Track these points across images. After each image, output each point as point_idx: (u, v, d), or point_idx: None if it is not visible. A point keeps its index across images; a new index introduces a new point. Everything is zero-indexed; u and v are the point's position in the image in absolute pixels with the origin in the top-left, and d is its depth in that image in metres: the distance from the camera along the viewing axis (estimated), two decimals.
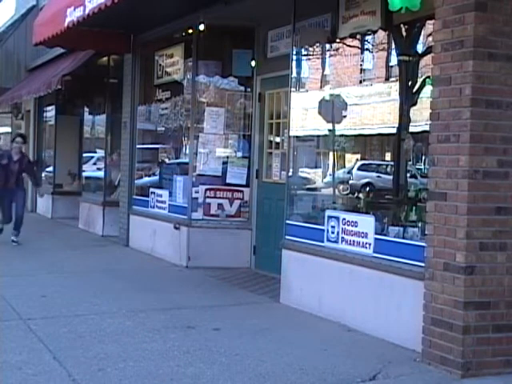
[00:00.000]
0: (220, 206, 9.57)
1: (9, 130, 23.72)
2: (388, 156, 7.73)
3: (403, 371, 5.14)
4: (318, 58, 8.07)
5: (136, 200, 11.40)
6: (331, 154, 8.12)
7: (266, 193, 9.27)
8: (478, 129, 5.00)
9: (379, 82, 7.26)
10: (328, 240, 6.78)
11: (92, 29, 10.51)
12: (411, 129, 6.57)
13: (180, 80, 10.81)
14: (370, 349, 5.68)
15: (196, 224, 9.52)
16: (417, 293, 5.41)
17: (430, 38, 5.73)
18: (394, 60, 7.05)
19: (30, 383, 4.68)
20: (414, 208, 6.20)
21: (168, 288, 8.09)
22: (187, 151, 10.27)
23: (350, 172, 7.96)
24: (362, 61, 7.45)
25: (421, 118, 6.21)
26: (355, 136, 7.76)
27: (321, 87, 8.14)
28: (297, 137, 8.19)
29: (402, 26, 6.75)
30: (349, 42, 7.30)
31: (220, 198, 9.59)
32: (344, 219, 6.61)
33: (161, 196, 10.55)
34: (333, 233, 6.72)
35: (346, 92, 7.57)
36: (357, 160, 8.01)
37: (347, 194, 7.86)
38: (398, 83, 6.92)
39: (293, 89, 7.87)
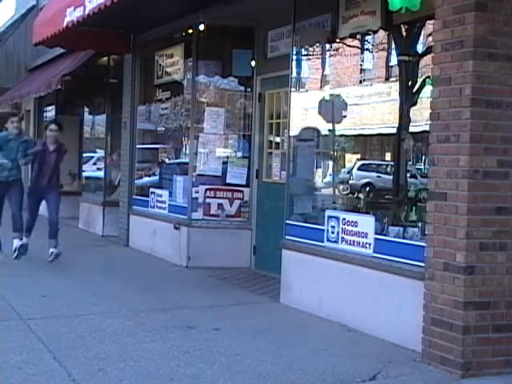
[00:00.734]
0: (220, 205, 9.57)
1: None
2: (388, 156, 7.73)
3: (403, 371, 5.14)
4: (318, 58, 8.07)
5: (136, 200, 11.40)
6: (331, 154, 8.12)
7: (266, 193, 9.27)
8: (478, 129, 5.00)
9: (379, 82, 7.26)
10: (328, 240, 6.78)
11: (92, 29, 10.51)
12: (411, 129, 6.57)
13: (180, 80, 10.81)
14: (370, 349, 5.68)
15: (196, 224, 9.52)
16: (417, 293, 5.41)
17: (430, 38, 5.73)
18: (394, 60, 7.05)
19: (29, 383, 4.68)
20: (413, 208, 6.20)
21: (168, 288, 8.09)
22: (187, 151, 10.27)
23: (349, 172, 7.96)
24: (362, 61, 7.45)
25: (421, 117, 6.21)
26: (355, 136, 7.76)
27: (321, 87, 8.14)
28: (296, 137, 8.19)
29: (402, 26, 6.75)
30: (349, 42, 7.30)
31: (220, 197, 9.59)
32: (344, 219, 6.61)
33: (161, 196, 10.55)
34: (333, 233, 6.72)
35: (345, 92, 7.57)
36: (357, 160, 8.01)
37: (347, 194, 7.86)
38: (398, 83, 6.92)
39: (293, 89, 7.87)
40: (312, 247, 6.96)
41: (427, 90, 5.82)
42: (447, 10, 5.14)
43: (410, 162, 6.77)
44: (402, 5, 4.76)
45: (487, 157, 5.03)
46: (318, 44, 7.90)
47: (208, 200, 9.61)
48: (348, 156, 8.06)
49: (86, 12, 8.65)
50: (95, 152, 15.52)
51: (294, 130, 7.98)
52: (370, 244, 6.25)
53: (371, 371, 5.07)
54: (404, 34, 6.84)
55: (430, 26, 5.88)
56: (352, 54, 7.39)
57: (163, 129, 11.42)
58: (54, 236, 9.62)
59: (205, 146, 9.90)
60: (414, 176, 6.69)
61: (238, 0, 8.39)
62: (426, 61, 6.06)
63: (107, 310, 6.78)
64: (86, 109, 15.72)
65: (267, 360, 5.29)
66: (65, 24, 9.52)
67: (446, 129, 5.15)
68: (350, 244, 6.48)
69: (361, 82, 7.53)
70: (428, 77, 5.80)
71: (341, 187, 7.97)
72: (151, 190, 10.91)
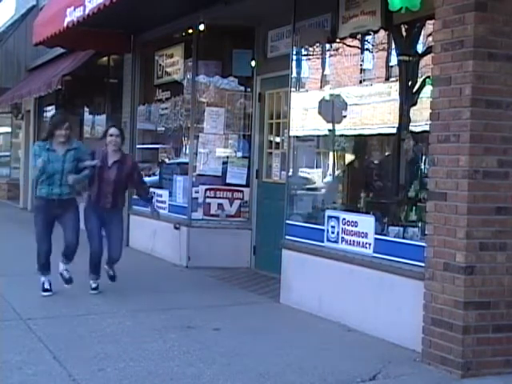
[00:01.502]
0: (220, 205, 9.57)
1: (9, 129, 23.76)
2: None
3: (403, 371, 5.14)
4: (318, 58, 8.06)
5: (136, 200, 11.39)
6: (331, 153, 8.12)
7: (266, 193, 9.27)
8: (478, 129, 5.00)
9: (379, 82, 7.25)
10: (328, 240, 6.78)
11: (92, 29, 10.50)
12: (411, 129, 6.56)
13: (180, 80, 10.81)
14: (369, 349, 5.68)
15: (196, 224, 9.52)
16: (417, 293, 5.41)
17: (430, 38, 5.73)
18: (394, 60, 7.04)
19: (29, 383, 4.68)
20: (413, 208, 6.20)
21: (168, 288, 8.09)
22: (187, 151, 10.27)
23: None
24: (362, 61, 7.45)
25: (421, 117, 6.21)
26: (355, 136, 7.75)
27: (321, 87, 8.14)
28: (297, 137, 8.19)
29: (402, 25, 6.74)
30: (349, 42, 7.29)
31: (220, 197, 9.59)
32: (344, 219, 6.61)
33: (161, 196, 10.55)
34: (333, 233, 6.72)
35: (346, 92, 7.57)
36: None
37: (347, 194, 7.84)
38: (398, 83, 6.92)
39: (293, 89, 7.87)
40: (312, 247, 6.96)
41: (427, 89, 5.82)
42: (447, 10, 5.14)
43: (410, 162, 6.76)
44: (402, 5, 4.76)
45: (487, 157, 5.03)
46: (317, 44, 7.89)
47: (208, 200, 9.61)
48: (348, 156, 8.06)
49: (86, 12, 8.65)
50: (95, 152, 15.49)
51: (294, 130, 7.98)
52: (370, 244, 6.25)
53: (371, 371, 5.07)
54: (404, 34, 6.83)
55: (430, 26, 5.88)
56: (352, 53, 7.39)
57: (163, 129, 11.41)
58: (113, 261, 7.74)
59: (205, 146, 9.90)
60: (414, 176, 6.68)
61: (238, 0, 8.39)
62: (426, 61, 6.06)
63: (107, 310, 6.78)
64: (86, 109, 15.72)
65: (267, 360, 5.29)
66: (65, 24, 9.52)
67: (445, 129, 5.15)
68: (350, 244, 6.48)
69: (361, 82, 7.53)
70: (428, 77, 5.80)
71: (341, 187, 7.96)
72: (151, 189, 10.90)
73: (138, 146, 11.67)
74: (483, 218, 5.03)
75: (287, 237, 7.42)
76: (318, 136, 8.26)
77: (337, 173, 8.05)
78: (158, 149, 11.58)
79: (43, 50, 15.07)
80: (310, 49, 8.00)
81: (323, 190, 8.34)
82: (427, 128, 5.42)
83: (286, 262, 7.42)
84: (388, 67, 7.17)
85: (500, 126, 5.07)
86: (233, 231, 9.47)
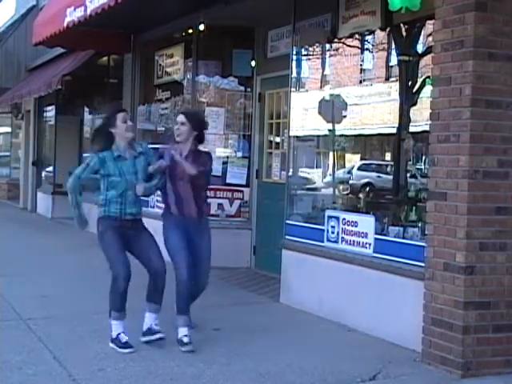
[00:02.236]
0: (220, 205, 9.57)
1: (9, 129, 23.77)
2: (388, 156, 7.72)
3: (403, 371, 5.14)
4: (318, 58, 8.06)
5: None
6: (331, 153, 8.12)
7: (266, 193, 9.27)
8: (478, 129, 5.00)
9: (379, 82, 7.25)
10: (328, 240, 6.78)
11: (92, 29, 10.51)
12: (411, 129, 6.56)
13: (180, 80, 10.81)
14: (369, 349, 5.68)
15: None
16: (417, 293, 5.41)
17: (430, 38, 5.73)
18: (394, 60, 7.04)
19: (29, 383, 4.69)
20: (413, 208, 6.20)
21: (167, 288, 8.07)
22: None
23: (350, 172, 7.96)
24: (362, 61, 7.45)
25: (421, 118, 6.21)
26: (355, 136, 7.76)
27: (321, 87, 8.14)
28: (297, 137, 8.19)
29: (401, 25, 6.74)
30: (349, 42, 7.30)
31: (220, 197, 9.58)
32: (344, 219, 6.61)
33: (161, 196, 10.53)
34: (333, 233, 6.72)
35: (346, 92, 7.57)
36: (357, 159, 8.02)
37: (347, 194, 7.86)
38: (398, 83, 6.92)
39: (293, 89, 7.87)
40: (312, 247, 6.96)
41: (427, 89, 5.82)
42: (447, 10, 5.14)
43: (410, 162, 6.76)
44: (402, 5, 4.77)
45: (487, 157, 5.03)
46: (317, 44, 7.89)
47: (208, 200, 9.59)
48: (348, 156, 8.06)
49: (88, 12, 8.66)
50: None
51: (294, 130, 7.98)
52: (370, 244, 6.25)
53: (371, 371, 5.08)
54: (404, 34, 6.84)
55: (430, 26, 5.88)
56: (352, 53, 7.39)
57: (163, 129, 11.42)
58: (191, 298, 5.90)
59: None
60: (414, 176, 6.69)
61: (238, 0, 8.39)
62: (426, 61, 6.06)
63: (107, 309, 6.76)
64: (86, 109, 15.74)
65: (267, 360, 5.29)
66: (65, 24, 9.53)
67: (445, 129, 5.15)
68: (350, 244, 6.47)
69: (361, 82, 7.53)
70: (428, 77, 5.80)
71: (341, 187, 7.97)
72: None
73: None
74: (483, 218, 5.03)
75: (287, 237, 7.42)
76: (318, 136, 8.27)
77: (336, 173, 8.05)
78: (157, 149, 11.55)
79: (43, 50, 15.08)
80: (310, 49, 8.00)
81: (323, 190, 8.33)
82: (427, 128, 5.42)
83: (286, 262, 7.42)
84: (388, 67, 7.17)
85: (500, 126, 5.07)
86: (233, 231, 9.46)
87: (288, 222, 7.51)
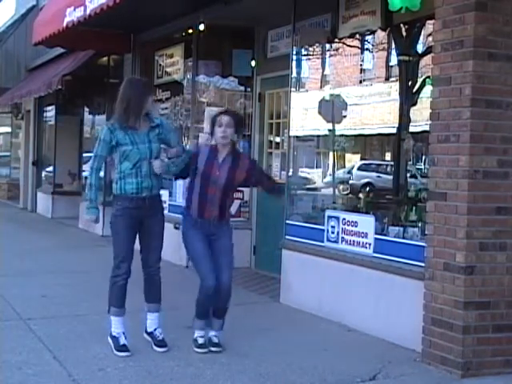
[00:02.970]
0: None
1: (9, 129, 23.77)
2: (388, 156, 7.73)
3: (403, 371, 5.14)
4: (318, 58, 8.07)
5: None
6: (331, 153, 8.12)
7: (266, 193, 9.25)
8: (478, 129, 5.00)
9: (379, 82, 7.26)
10: (328, 240, 6.78)
11: (92, 29, 10.51)
12: (411, 129, 6.57)
13: (180, 80, 10.81)
14: (370, 349, 5.68)
15: None
16: (417, 293, 5.41)
17: (430, 38, 5.73)
18: (394, 60, 7.05)
19: (29, 383, 4.68)
20: (413, 208, 6.20)
21: (168, 288, 8.04)
22: None
23: (350, 172, 7.96)
24: (362, 61, 7.45)
25: (421, 117, 6.21)
26: (355, 136, 7.76)
27: (321, 87, 8.14)
28: (297, 137, 8.19)
29: (401, 25, 6.75)
30: (349, 42, 7.30)
31: None
32: (344, 219, 6.60)
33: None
34: (333, 233, 6.72)
35: (346, 92, 7.57)
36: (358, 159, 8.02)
37: (347, 194, 7.86)
38: (398, 83, 6.92)
39: (293, 89, 7.87)
40: (312, 247, 6.96)
41: (427, 90, 5.82)
42: (447, 10, 5.14)
43: (410, 162, 6.77)
44: (402, 5, 4.77)
45: (487, 157, 5.03)
46: (317, 44, 7.90)
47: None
48: (348, 156, 8.07)
49: (87, 12, 8.66)
50: None
51: (294, 130, 7.98)
52: (370, 244, 6.25)
53: (371, 371, 5.08)
54: (404, 34, 6.84)
55: (430, 26, 5.88)
56: (352, 53, 7.39)
57: None
58: (222, 315, 5.61)
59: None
60: (414, 176, 6.69)
61: (238, 0, 8.39)
62: (426, 61, 6.07)
63: (107, 308, 6.77)
64: (86, 109, 15.74)
65: (267, 360, 5.29)
66: (65, 24, 9.53)
67: (445, 129, 5.15)
68: (350, 244, 6.47)
69: (361, 82, 7.53)
70: (428, 77, 5.80)
71: (341, 187, 7.97)
72: None
73: None
74: (483, 218, 5.03)
75: (287, 237, 7.42)
76: (318, 136, 8.27)
77: (337, 173, 8.05)
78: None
79: (43, 50, 15.08)
80: (310, 49, 8.01)
81: (323, 190, 8.34)
82: (427, 128, 5.42)
83: (286, 261, 7.42)
84: (388, 67, 7.17)
85: (500, 126, 5.07)
86: (233, 231, 9.44)
87: (288, 221, 7.51)
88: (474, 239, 5.01)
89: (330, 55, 7.84)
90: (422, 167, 6.47)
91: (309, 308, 6.87)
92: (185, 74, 10.64)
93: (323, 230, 6.85)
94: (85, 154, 15.87)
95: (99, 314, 6.49)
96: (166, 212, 10.09)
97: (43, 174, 17.74)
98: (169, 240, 9.98)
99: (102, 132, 5.38)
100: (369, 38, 7.23)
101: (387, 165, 7.53)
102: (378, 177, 7.64)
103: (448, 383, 4.95)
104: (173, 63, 11.04)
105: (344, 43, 7.37)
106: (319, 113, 7.82)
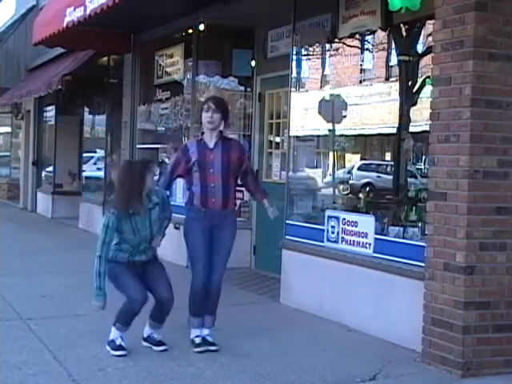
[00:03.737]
0: None
1: (9, 129, 23.77)
2: (388, 156, 7.73)
3: (403, 371, 5.14)
4: (318, 58, 8.07)
5: None
6: (331, 153, 8.12)
7: None
8: (478, 129, 5.00)
9: (379, 82, 7.26)
10: (328, 240, 6.78)
11: (92, 29, 10.51)
12: (411, 129, 6.57)
13: (180, 80, 10.81)
14: (370, 349, 5.68)
15: None
16: (417, 293, 5.40)
17: (430, 38, 5.73)
18: (394, 60, 7.05)
19: (29, 383, 4.69)
20: (413, 208, 6.20)
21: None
22: None
23: (350, 172, 7.96)
24: (362, 61, 7.45)
25: (421, 117, 6.21)
26: (355, 136, 7.76)
27: (321, 87, 8.14)
28: (297, 137, 8.19)
29: (401, 25, 6.75)
30: (349, 42, 7.30)
31: None
32: (344, 219, 6.60)
33: None
34: (333, 233, 6.72)
35: (346, 92, 7.57)
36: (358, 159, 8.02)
37: (347, 194, 7.86)
38: (398, 83, 6.92)
39: (293, 89, 7.87)
40: (312, 247, 6.96)
41: (427, 90, 5.82)
42: (447, 10, 5.14)
43: (410, 162, 6.77)
44: (402, 5, 4.77)
45: (487, 157, 5.03)
46: (317, 44, 7.90)
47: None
48: (348, 156, 8.07)
49: (87, 12, 8.66)
50: (95, 152, 15.53)
51: (294, 130, 7.98)
52: (370, 244, 6.25)
53: (371, 371, 5.08)
54: (404, 34, 6.84)
55: (430, 26, 5.88)
56: (352, 53, 7.39)
57: (163, 129, 11.42)
58: (212, 311, 5.72)
59: None
60: (414, 176, 6.69)
61: (238, 0, 8.39)
62: (426, 61, 6.06)
63: (107, 309, 6.76)
64: (86, 109, 15.74)
65: (267, 360, 5.30)
66: (65, 24, 9.53)
67: (446, 129, 5.15)
68: (350, 244, 6.47)
69: (361, 81, 7.53)
70: (428, 77, 5.80)
71: (341, 187, 7.97)
72: None
73: (138, 146, 11.67)
74: (483, 218, 5.03)
75: (287, 237, 7.42)
76: (318, 136, 8.27)
77: (337, 173, 8.05)
78: (158, 149, 11.57)
79: (43, 50, 15.08)
80: (310, 49, 8.01)
81: (323, 190, 8.33)
82: (427, 128, 5.42)
83: (286, 261, 7.42)
84: (388, 67, 7.17)
85: (500, 126, 5.07)
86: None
87: (288, 221, 7.51)
88: (474, 239, 5.01)
89: (330, 55, 7.84)
90: (422, 167, 6.47)
91: (309, 308, 6.87)
92: (185, 74, 10.64)
93: (323, 230, 6.85)
94: (85, 154, 15.89)
95: (99, 314, 6.49)
96: None
97: (43, 173, 17.74)
98: (169, 240, 10.01)
99: (107, 219, 5.31)
100: (369, 37, 7.23)
101: (387, 165, 7.53)
102: (378, 177, 7.64)
103: (448, 383, 4.95)
104: (173, 63, 11.04)
105: (344, 43, 7.37)
106: (319, 113, 7.82)
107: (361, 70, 7.52)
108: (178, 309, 6.86)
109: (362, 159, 8.01)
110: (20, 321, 6.26)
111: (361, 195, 7.47)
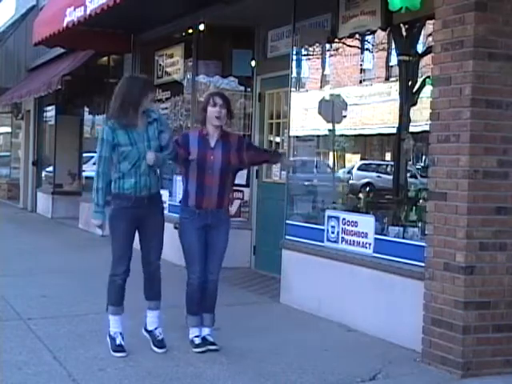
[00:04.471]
0: None
1: (9, 129, 23.77)
2: (388, 156, 7.73)
3: (403, 371, 5.14)
4: (318, 58, 8.07)
5: None
6: (331, 153, 8.12)
7: (266, 193, 9.26)
8: (478, 129, 5.00)
9: (379, 82, 7.26)
10: (328, 240, 6.78)
11: (92, 29, 10.51)
12: (411, 129, 6.57)
13: (180, 80, 10.82)
14: (369, 349, 5.68)
15: None
16: (417, 293, 5.40)
17: (430, 38, 5.73)
18: (394, 60, 7.05)
19: (29, 383, 4.69)
20: (413, 208, 6.20)
21: (168, 288, 8.04)
22: None
23: (350, 172, 7.96)
24: (362, 61, 7.45)
25: (421, 117, 6.21)
26: (355, 136, 7.76)
27: (321, 87, 8.15)
28: (297, 137, 8.19)
29: (401, 25, 6.75)
30: (349, 42, 7.30)
31: None
32: (344, 219, 6.60)
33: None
34: (333, 233, 6.72)
35: (346, 92, 7.57)
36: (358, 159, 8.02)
37: (347, 194, 7.86)
38: (398, 83, 6.92)
39: (293, 89, 7.87)
40: (312, 247, 6.96)
41: (427, 90, 5.82)
42: (447, 10, 5.14)
43: (410, 162, 6.77)
44: (402, 5, 4.77)
45: (487, 157, 5.03)
46: (317, 44, 7.90)
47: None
48: (348, 156, 8.07)
49: (88, 12, 8.66)
50: (95, 152, 15.50)
51: (294, 130, 7.98)
52: (370, 244, 6.25)
53: (371, 371, 5.07)
54: (404, 34, 6.84)
55: (430, 26, 5.88)
56: (352, 53, 7.39)
57: None
58: (210, 309, 5.65)
59: None
60: (414, 176, 6.69)
61: (238, 0, 8.39)
62: (426, 61, 6.07)
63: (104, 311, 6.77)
64: (86, 109, 15.74)
65: (267, 360, 5.29)
66: (65, 24, 9.53)
67: (446, 129, 5.15)
68: (350, 244, 6.47)
69: (361, 81, 7.53)
70: (428, 77, 5.80)
71: (341, 187, 7.97)
72: None
73: None
74: (483, 218, 5.03)
75: (287, 237, 7.42)
76: (318, 136, 8.27)
77: (336, 173, 8.05)
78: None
79: (43, 50, 15.08)
80: (310, 49, 8.01)
81: (323, 190, 8.33)
82: (427, 128, 5.42)
83: (286, 261, 7.42)
84: (388, 67, 7.17)
85: (500, 126, 5.07)
86: (233, 231, 9.38)
87: (288, 221, 7.51)
88: (474, 239, 5.01)
89: (330, 55, 7.84)
90: (422, 167, 6.47)
91: (309, 308, 6.87)
92: (185, 74, 10.64)
93: (323, 230, 6.85)
94: (85, 154, 15.88)
95: (99, 314, 6.49)
96: (165, 212, 10.17)
97: (43, 173, 17.74)
98: (169, 240, 10.02)
99: (102, 132, 5.28)
100: (369, 37, 7.23)
101: (387, 165, 7.53)
102: (378, 177, 7.64)
103: (448, 383, 4.95)
104: (173, 63, 11.04)
105: (344, 43, 7.37)
106: (319, 113, 7.82)
107: (361, 70, 7.52)
108: (177, 308, 6.88)
109: (361, 159, 8.02)
110: (20, 321, 6.26)
111: (361, 195, 7.47)
